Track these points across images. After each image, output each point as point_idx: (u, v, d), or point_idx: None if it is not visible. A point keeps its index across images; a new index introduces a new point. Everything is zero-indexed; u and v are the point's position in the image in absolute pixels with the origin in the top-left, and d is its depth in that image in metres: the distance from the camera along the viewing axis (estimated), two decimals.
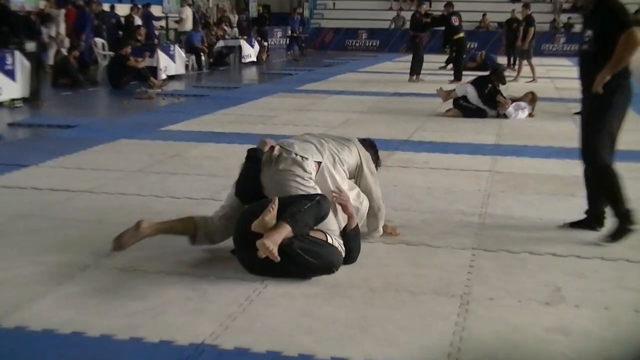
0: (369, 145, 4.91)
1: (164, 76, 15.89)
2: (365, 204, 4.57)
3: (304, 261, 3.89)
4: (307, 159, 4.25)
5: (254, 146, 4.45)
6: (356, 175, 4.62)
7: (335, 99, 13.03)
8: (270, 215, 3.83)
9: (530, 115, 10.99)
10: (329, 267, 3.99)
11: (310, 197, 4.02)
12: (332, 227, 4.15)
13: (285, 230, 3.82)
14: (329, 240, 4.06)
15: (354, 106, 11.93)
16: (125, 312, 3.56)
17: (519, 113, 10.88)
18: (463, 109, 10.86)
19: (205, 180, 6.43)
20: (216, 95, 13.49)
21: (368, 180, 4.62)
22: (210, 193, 5.90)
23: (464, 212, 5.55)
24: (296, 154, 4.25)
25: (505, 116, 10.82)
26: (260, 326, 3.45)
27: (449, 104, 11.22)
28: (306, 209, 3.92)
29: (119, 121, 10.09)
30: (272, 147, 4.33)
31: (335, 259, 4.03)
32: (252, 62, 22.61)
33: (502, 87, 11.17)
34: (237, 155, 4.91)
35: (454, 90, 11.15)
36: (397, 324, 3.50)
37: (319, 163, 4.32)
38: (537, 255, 4.58)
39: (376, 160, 4.89)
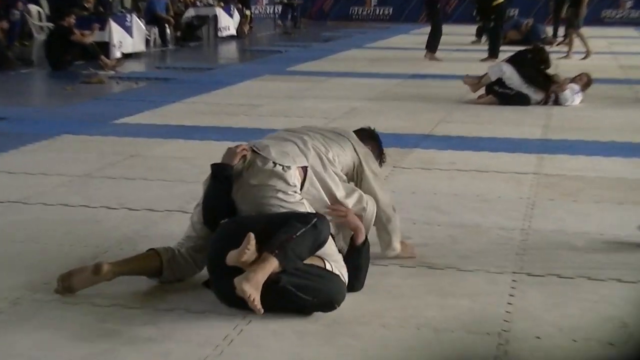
0: (369, 136, 4.87)
1: (118, 54, 15.90)
2: (371, 207, 4.53)
3: (297, 299, 3.87)
4: (288, 167, 4.18)
5: (219, 161, 4.33)
6: (355, 179, 4.60)
7: (336, 83, 13.03)
8: (248, 254, 3.79)
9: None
10: (329, 304, 3.97)
11: (304, 218, 3.96)
12: (329, 251, 4.12)
13: (271, 266, 3.79)
14: (328, 268, 4.04)
15: (361, 92, 11.93)
16: (68, 358, 3.53)
17: (575, 98, 10.89)
18: (499, 95, 10.86)
19: (171, 187, 6.42)
20: (185, 79, 13.49)
21: (371, 184, 4.59)
22: (178, 203, 5.89)
23: (502, 227, 5.54)
24: (275, 163, 4.19)
25: (555, 101, 10.81)
26: None
27: (482, 90, 11.22)
28: (299, 236, 3.86)
29: (60, 112, 10.08)
30: (244, 156, 4.26)
31: (337, 292, 4.01)
32: (231, 37, 22.65)
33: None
34: (212, 155, 4.88)
35: (486, 74, 11.13)
36: None
37: (305, 168, 4.28)
38: (596, 281, 4.56)
39: (379, 156, 4.88)
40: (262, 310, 3.76)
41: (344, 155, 4.50)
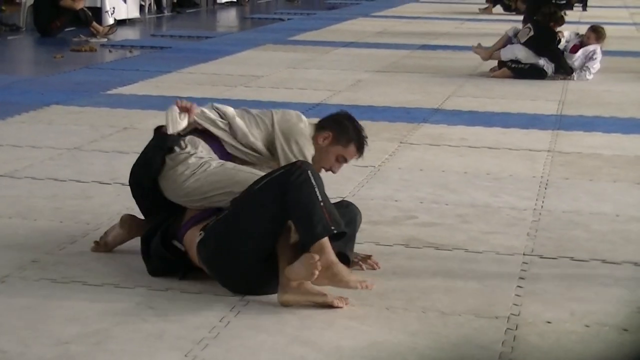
0: (332, 121, 4.55)
1: (111, 20, 15.86)
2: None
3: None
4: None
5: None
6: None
7: (341, 53, 13.02)
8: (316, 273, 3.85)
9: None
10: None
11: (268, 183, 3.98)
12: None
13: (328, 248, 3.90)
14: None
15: (367, 63, 11.93)
16: (57, 339, 3.57)
17: (595, 63, 10.72)
18: (513, 69, 10.84)
19: None
20: (182, 47, 13.48)
21: (282, 162, 4.34)
22: None
23: (513, 206, 5.57)
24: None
25: (571, 72, 10.71)
26: (239, 357, 3.47)
27: (495, 62, 11.20)
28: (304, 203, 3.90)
29: (49, 81, 10.09)
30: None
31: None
32: (230, 3, 22.59)
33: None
34: None
35: (498, 50, 11.08)
36: (422, 355, 3.52)
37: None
38: (611, 265, 4.59)
39: (346, 144, 4.48)
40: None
41: (257, 131, 4.39)
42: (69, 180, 5.93)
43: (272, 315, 3.83)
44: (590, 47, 10.83)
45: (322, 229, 3.87)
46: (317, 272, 3.79)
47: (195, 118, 4.33)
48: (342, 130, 4.48)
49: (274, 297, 3.95)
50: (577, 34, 11.24)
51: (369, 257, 4.42)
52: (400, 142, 7.21)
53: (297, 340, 3.61)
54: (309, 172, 3.96)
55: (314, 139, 4.45)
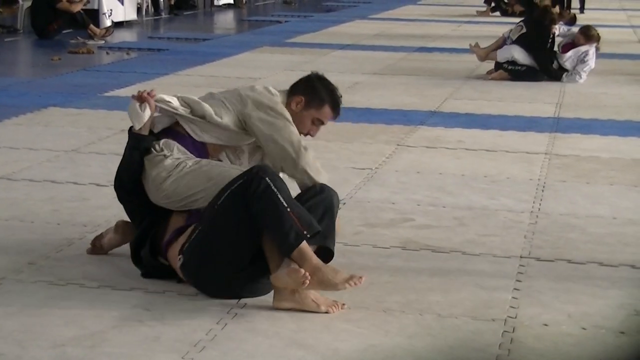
0: (305, 84, 4.49)
1: (108, 23, 15.87)
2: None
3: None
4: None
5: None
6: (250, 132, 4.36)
7: (339, 56, 13.03)
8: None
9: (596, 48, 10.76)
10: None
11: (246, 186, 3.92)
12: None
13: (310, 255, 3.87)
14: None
15: (365, 65, 11.94)
16: (53, 341, 3.57)
17: (585, 66, 10.72)
18: (509, 71, 10.85)
19: None
20: (179, 50, 13.48)
21: (264, 133, 4.24)
22: None
23: (510, 209, 5.57)
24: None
25: (558, 77, 10.70)
26: None
27: (492, 63, 11.21)
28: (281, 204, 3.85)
29: (46, 83, 10.08)
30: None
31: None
32: (228, 5, 22.60)
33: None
34: None
35: (495, 51, 11.10)
36: (419, 358, 3.52)
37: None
38: (608, 267, 4.60)
39: (319, 106, 4.37)
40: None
41: (226, 113, 4.30)
42: (66, 182, 5.93)
43: (269, 318, 3.83)
44: (583, 48, 10.77)
45: (294, 236, 3.82)
46: (306, 284, 3.76)
47: (156, 103, 4.28)
48: (313, 92, 4.42)
49: (270, 300, 3.95)
50: (569, 28, 11.21)
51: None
52: (398, 145, 7.22)
53: (294, 343, 3.61)
54: (267, 178, 3.88)
55: (287, 105, 4.37)
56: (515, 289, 4.26)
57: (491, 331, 3.77)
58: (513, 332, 3.77)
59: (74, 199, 5.54)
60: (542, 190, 6.02)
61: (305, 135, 4.39)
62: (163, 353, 3.49)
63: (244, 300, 3.97)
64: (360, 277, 3.85)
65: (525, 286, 4.30)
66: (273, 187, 3.87)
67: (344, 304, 3.92)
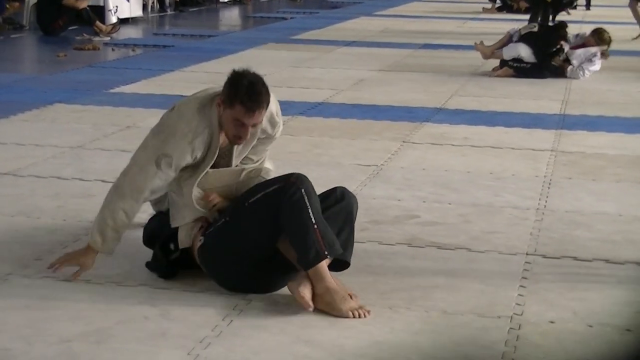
0: (227, 80, 4.06)
1: (114, 19, 15.87)
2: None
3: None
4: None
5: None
6: None
7: (344, 53, 13.02)
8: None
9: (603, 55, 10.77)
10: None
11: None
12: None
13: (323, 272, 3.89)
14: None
15: (370, 62, 11.93)
16: (60, 337, 3.57)
17: (592, 65, 10.74)
18: (515, 68, 10.84)
19: None
20: (184, 46, 13.48)
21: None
22: None
23: (516, 206, 5.57)
24: None
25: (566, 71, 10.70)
26: (241, 356, 3.47)
27: (497, 61, 11.20)
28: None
29: (52, 79, 10.09)
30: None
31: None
32: (233, 2, 22.60)
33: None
34: None
35: (500, 50, 11.08)
36: (425, 354, 3.52)
37: None
38: (614, 265, 4.59)
39: (232, 105, 3.96)
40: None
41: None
42: (71, 178, 5.94)
43: (275, 314, 3.84)
44: (593, 49, 10.81)
45: (315, 255, 3.83)
46: (311, 309, 3.79)
47: None
48: (228, 90, 4.00)
49: (276, 296, 3.96)
50: (578, 34, 11.19)
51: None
52: (403, 142, 7.21)
53: (300, 339, 3.61)
54: (303, 190, 3.89)
55: (218, 106, 4.05)
56: (521, 286, 4.25)
57: (497, 328, 3.77)
58: (519, 329, 3.77)
59: (80, 195, 5.54)
60: (548, 187, 6.02)
61: (234, 138, 4.03)
62: (169, 349, 3.49)
63: (249, 297, 3.98)
64: (368, 311, 3.85)
65: (531, 283, 4.29)
66: (306, 200, 3.88)
67: (369, 311, 3.86)
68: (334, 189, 4.16)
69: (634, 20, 15.17)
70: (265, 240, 3.95)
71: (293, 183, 3.92)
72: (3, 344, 3.49)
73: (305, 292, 3.83)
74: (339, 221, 4.03)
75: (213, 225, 4.05)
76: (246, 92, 3.96)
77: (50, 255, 4.39)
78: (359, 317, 3.81)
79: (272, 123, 4.23)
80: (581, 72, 10.69)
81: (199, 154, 4.05)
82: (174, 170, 4.04)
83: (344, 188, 4.19)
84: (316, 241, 3.83)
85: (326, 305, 3.83)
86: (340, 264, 4.03)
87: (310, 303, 3.81)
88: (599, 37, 10.86)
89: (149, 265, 4.24)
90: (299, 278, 3.90)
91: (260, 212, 3.94)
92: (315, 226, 3.85)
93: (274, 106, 4.22)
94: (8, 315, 3.76)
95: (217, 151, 4.08)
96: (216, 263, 4.03)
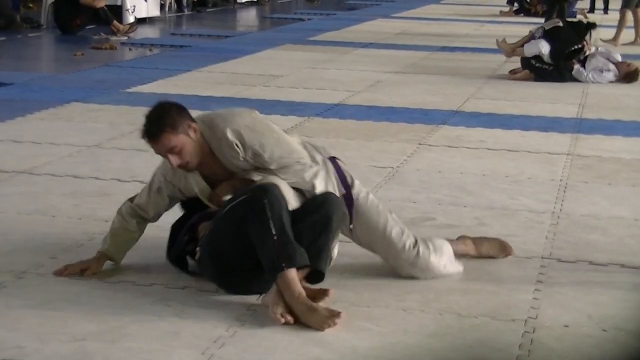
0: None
1: (131, 19, 15.91)
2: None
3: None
4: None
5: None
6: None
7: (361, 54, 13.02)
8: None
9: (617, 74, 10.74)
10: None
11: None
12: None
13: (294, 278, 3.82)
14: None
15: (387, 64, 11.92)
16: (73, 335, 3.58)
17: (600, 76, 10.67)
18: (536, 69, 10.77)
19: None
20: (201, 46, 13.50)
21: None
22: None
23: (531, 209, 5.55)
24: None
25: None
26: (255, 356, 3.47)
27: (516, 62, 11.17)
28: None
29: (69, 78, 10.12)
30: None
31: None
32: (251, 2, 22.63)
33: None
34: None
35: (522, 47, 11.03)
36: (438, 357, 3.51)
37: None
38: (630, 269, 4.57)
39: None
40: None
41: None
42: (87, 177, 5.95)
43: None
44: (613, 69, 10.70)
45: (271, 267, 3.79)
46: (282, 322, 3.72)
47: None
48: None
49: None
50: (608, 58, 10.98)
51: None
52: (419, 144, 7.20)
53: (313, 340, 3.61)
54: (266, 201, 3.83)
55: None
56: (535, 289, 4.24)
57: (511, 331, 3.76)
58: (533, 332, 3.76)
59: (95, 194, 5.56)
60: (564, 191, 6.00)
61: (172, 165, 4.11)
62: (182, 349, 3.50)
63: (262, 297, 3.98)
64: (339, 313, 3.73)
65: (546, 287, 4.28)
66: (267, 211, 3.81)
67: (339, 313, 3.75)
68: (317, 195, 4.10)
69: None
70: (243, 248, 3.91)
71: (256, 193, 3.88)
72: (17, 342, 3.50)
73: (277, 307, 3.76)
74: (315, 229, 3.94)
75: (203, 236, 4.06)
76: (143, 125, 4.15)
77: (66, 254, 4.41)
78: (330, 327, 3.69)
79: (229, 145, 4.07)
80: (590, 74, 10.64)
81: (182, 186, 4.24)
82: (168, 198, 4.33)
83: (329, 193, 4.10)
84: (275, 253, 3.78)
85: (298, 318, 3.75)
86: (315, 275, 3.94)
87: (279, 317, 3.72)
88: (627, 74, 10.73)
89: (169, 255, 4.26)
90: (272, 290, 3.85)
91: (229, 223, 3.92)
92: (275, 237, 3.79)
93: (227, 130, 4.08)
94: (22, 314, 3.78)
95: (199, 177, 4.17)
96: (212, 270, 4.04)
